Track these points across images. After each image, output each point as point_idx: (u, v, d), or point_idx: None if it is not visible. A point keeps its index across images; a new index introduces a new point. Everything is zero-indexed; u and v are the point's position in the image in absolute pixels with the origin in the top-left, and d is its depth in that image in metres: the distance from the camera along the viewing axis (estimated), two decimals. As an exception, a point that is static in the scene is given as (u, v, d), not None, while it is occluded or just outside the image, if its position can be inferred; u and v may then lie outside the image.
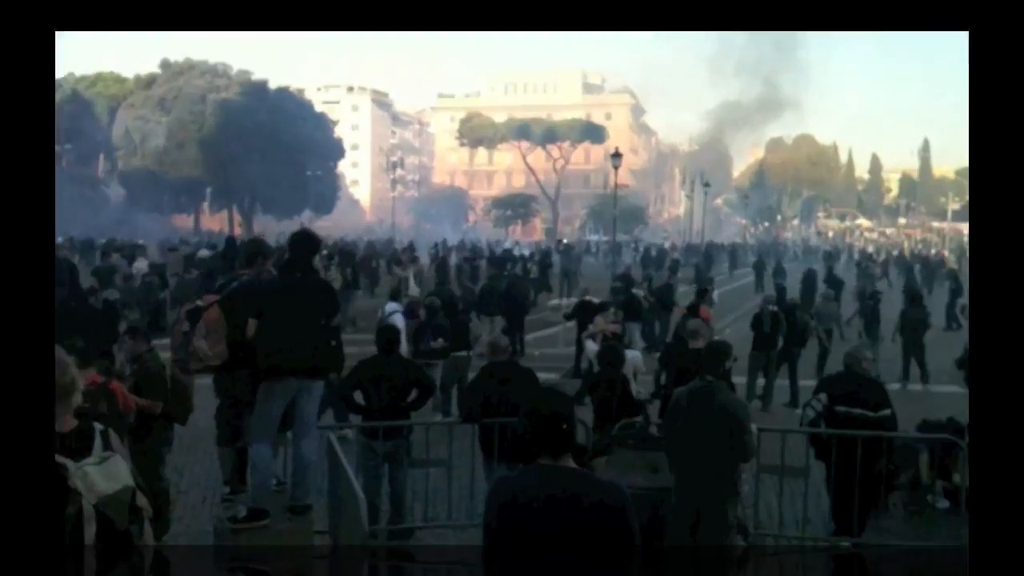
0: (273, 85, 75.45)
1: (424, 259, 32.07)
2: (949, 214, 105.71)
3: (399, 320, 13.37)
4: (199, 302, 6.66)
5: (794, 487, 7.74)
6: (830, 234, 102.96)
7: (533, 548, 3.03)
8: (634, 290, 19.55)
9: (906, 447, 8.12)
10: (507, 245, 55.27)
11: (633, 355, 9.45)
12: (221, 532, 6.18)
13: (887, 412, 7.29)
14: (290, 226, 58.65)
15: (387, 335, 8.26)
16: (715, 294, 19.47)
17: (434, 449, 8.08)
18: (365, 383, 7.89)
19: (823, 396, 7.41)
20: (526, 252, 42.05)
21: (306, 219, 68.98)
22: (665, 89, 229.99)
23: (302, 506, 6.24)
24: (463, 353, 12.41)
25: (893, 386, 14.38)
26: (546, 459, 3.11)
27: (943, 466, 8.48)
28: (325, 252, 28.86)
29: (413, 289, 19.87)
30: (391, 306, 14.22)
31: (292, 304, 6.00)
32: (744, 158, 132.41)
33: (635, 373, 8.79)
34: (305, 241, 6.29)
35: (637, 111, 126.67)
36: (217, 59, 75.54)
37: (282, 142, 66.30)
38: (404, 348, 12.24)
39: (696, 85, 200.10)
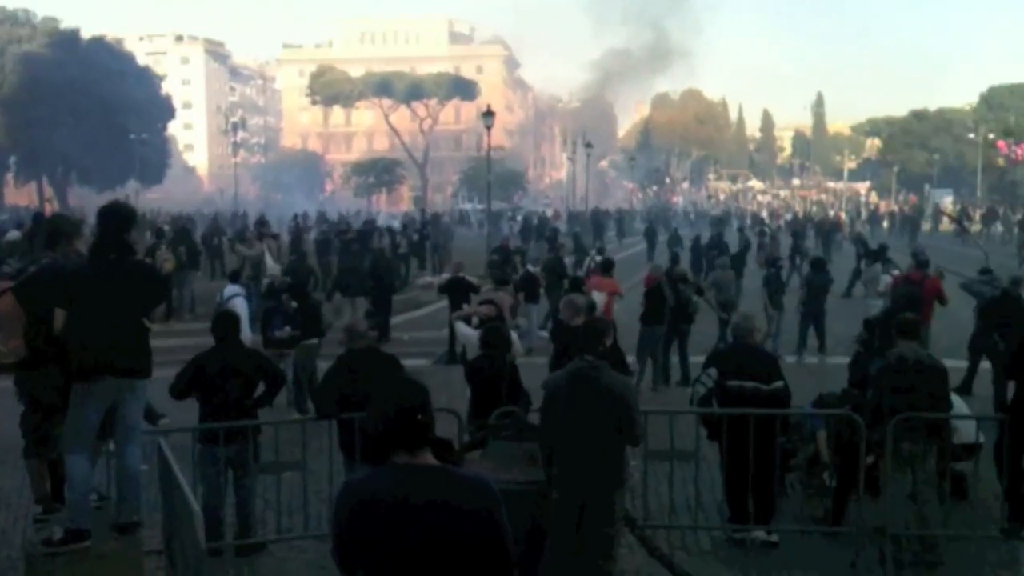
0: (86, 35, 72.01)
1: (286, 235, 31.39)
2: (845, 173, 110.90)
3: (240, 304, 13.12)
4: (-9, 289, 6.29)
5: (685, 472, 7.98)
6: (721, 197, 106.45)
7: (390, 559, 2.97)
8: (530, 268, 19.69)
9: (802, 424, 8.48)
10: (372, 216, 54.67)
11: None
12: (34, 558, 5.91)
13: (780, 384, 7.59)
14: (113, 199, 56.17)
15: (223, 322, 8.04)
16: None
17: (286, 451, 7.94)
18: (202, 379, 7.66)
19: (712, 371, 7.65)
20: (395, 224, 41.77)
21: (131, 191, 66.43)
22: (541, 39, 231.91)
23: (129, 524, 6.02)
24: (313, 341, 12.25)
25: (789, 359, 15.11)
26: (401, 457, 3.04)
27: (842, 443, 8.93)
28: (165, 228, 27.96)
29: (272, 268, 19.39)
30: (230, 289, 13.99)
31: (105, 291, 5.73)
32: (629, 116, 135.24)
33: (513, 356, 8.83)
34: (115, 215, 5.99)
35: (511, 64, 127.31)
36: (16, 4, 71.52)
37: (99, 101, 63.44)
38: (248, 336, 12.05)
39: (576, 34, 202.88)
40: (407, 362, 10.89)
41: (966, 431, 7.90)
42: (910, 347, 7.32)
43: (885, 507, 7.28)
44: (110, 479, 6.58)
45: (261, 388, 7.96)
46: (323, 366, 9.00)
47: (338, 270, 19.79)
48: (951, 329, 15.66)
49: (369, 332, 8.75)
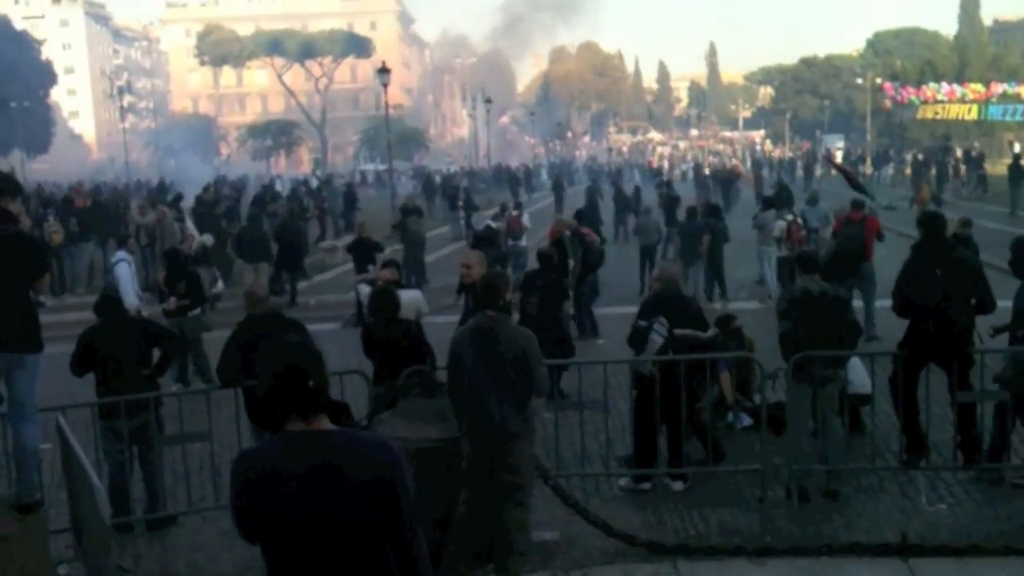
0: (-44, -2, 68.40)
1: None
2: (740, 122, 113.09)
3: (123, 270, 12.83)
4: None
5: (597, 421, 8.10)
6: (624, 149, 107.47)
7: (288, 529, 2.89)
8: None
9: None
10: (272, 180, 53.46)
11: (413, 295, 9.44)
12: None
13: (715, 331, 7.78)
14: (-6, 171, 53.81)
15: (104, 303, 8.05)
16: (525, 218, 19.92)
17: (192, 422, 7.77)
18: (92, 355, 7.48)
19: (664, 320, 7.69)
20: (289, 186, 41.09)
21: (16, 161, 63.57)
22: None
23: (31, 503, 5.84)
24: (195, 312, 12.00)
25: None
26: (296, 424, 2.94)
27: (741, 384, 9.23)
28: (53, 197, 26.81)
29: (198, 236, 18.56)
30: (118, 255, 13.63)
31: None
32: (527, 71, 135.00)
33: (418, 315, 8.78)
34: None
35: (405, 19, 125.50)
36: None
37: (-27, 68, 60.37)
38: (133, 304, 12.10)
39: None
40: (315, 327, 10.79)
41: (860, 383, 8.22)
42: (813, 280, 7.57)
43: (791, 442, 7.54)
44: (8, 458, 6.36)
45: (156, 356, 7.79)
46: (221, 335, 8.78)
47: (238, 235, 19.31)
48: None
49: (270, 296, 8.62)
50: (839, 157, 58.27)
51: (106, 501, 5.01)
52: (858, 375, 8.29)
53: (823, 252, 12.47)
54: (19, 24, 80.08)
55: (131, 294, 12.73)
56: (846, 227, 13.60)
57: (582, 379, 7.84)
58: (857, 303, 10.96)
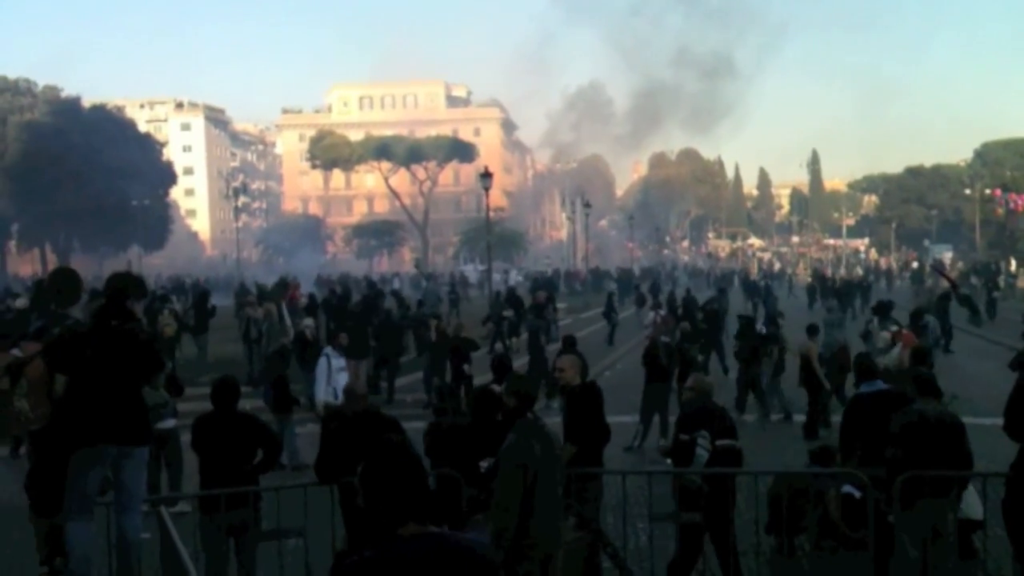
0: (87, 103, 72.87)
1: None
2: (844, 230, 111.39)
3: (322, 365, 13.33)
4: (16, 352, 6.31)
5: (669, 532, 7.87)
6: (722, 254, 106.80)
7: None
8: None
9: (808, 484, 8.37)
10: (385, 277, 54.84)
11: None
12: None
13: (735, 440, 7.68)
14: (115, 265, 56.47)
15: (220, 391, 7.88)
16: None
17: (288, 517, 7.83)
18: (200, 444, 7.61)
19: (706, 433, 7.54)
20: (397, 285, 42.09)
21: (134, 256, 66.68)
22: (536, 101, 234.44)
23: (129, 593, 5.94)
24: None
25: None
26: (409, 528, 2.93)
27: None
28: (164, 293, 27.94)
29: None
30: (324, 350, 14.12)
31: (105, 359, 5.73)
32: (626, 176, 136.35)
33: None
34: (118, 282, 6.03)
35: (508, 126, 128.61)
36: (18, 74, 72.59)
37: (101, 168, 63.92)
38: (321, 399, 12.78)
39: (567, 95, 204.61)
40: (411, 424, 10.82)
41: (972, 508, 7.81)
42: (930, 403, 7.26)
43: (899, 570, 7.17)
44: (109, 546, 6.48)
45: (260, 455, 7.88)
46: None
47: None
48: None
49: (368, 394, 8.71)
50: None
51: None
52: (969, 499, 7.88)
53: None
54: (143, 127, 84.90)
55: (321, 389, 13.13)
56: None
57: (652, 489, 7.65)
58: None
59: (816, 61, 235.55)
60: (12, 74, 72.17)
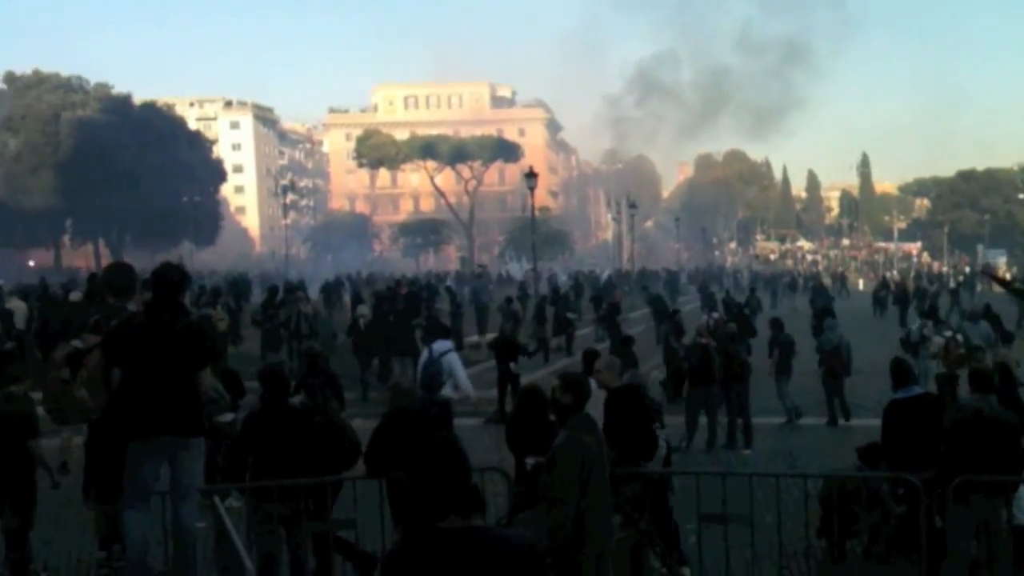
0: (137, 100, 73.94)
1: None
2: (895, 233, 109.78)
3: (456, 360, 13.64)
4: (77, 343, 6.45)
5: (742, 535, 7.81)
6: (772, 257, 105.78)
7: None
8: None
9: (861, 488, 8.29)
10: (430, 275, 55.10)
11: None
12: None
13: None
14: (166, 261, 57.12)
15: (270, 380, 7.66)
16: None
17: (338, 509, 7.91)
18: (255, 437, 7.68)
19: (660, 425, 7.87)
20: (451, 284, 42.22)
21: (186, 251, 67.63)
22: (582, 100, 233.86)
23: (184, 582, 6.05)
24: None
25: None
26: (453, 521, 2.95)
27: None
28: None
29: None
30: (442, 344, 14.02)
31: (159, 352, 5.83)
32: (672, 177, 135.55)
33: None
34: (166, 276, 6.10)
35: (553, 126, 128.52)
36: (71, 71, 73.88)
37: (152, 165, 64.98)
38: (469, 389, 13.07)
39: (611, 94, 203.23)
40: (456, 421, 10.88)
41: None
42: (986, 401, 7.17)
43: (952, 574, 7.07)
44: (166, 537, 6.60)
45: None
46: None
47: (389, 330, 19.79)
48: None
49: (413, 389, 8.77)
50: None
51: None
52: (1023, 504, 7.74)
53: None
54: (193, 125, 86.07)
55: (466, 381, 13.27)
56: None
57: (727, 491, 7.60)
58: None
59: (878, 63, 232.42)
60: (65, 71, 73.52)
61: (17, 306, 24.02)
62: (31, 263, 68.58)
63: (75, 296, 24.80)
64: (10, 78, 72.08)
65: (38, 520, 7.92)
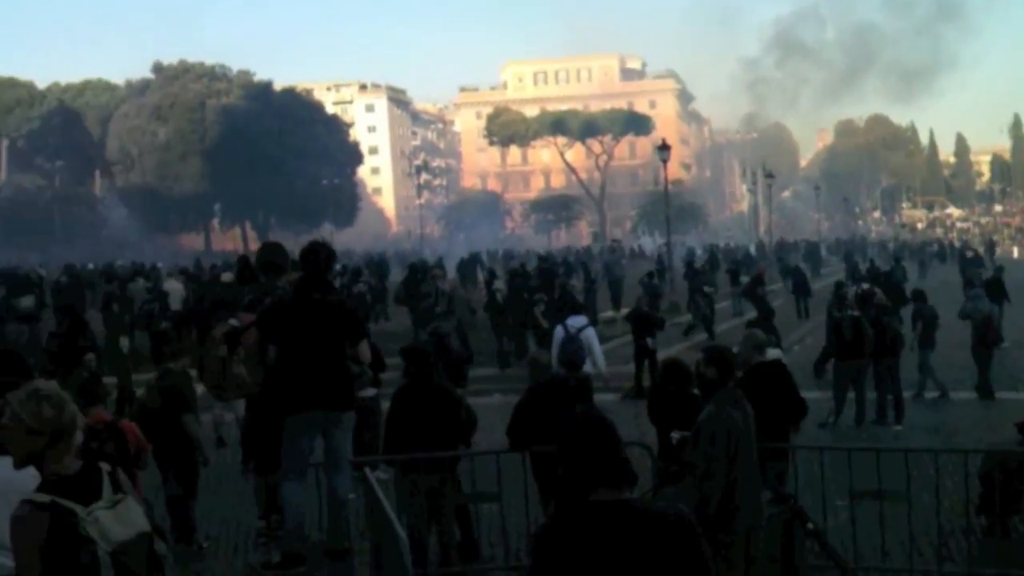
0: (277, 87, 76.15)
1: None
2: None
3: (593, 335, 13.43)
4: (234, 321, 6.71)
5: (898, 513, 7.55)
6: (919, 226, 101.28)
7: None
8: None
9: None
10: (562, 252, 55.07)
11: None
12: (253, 579, 6.22)
13: None
14: (313, 239, 58.86)
15: (414, 357, 7.74)
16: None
17: (483, 482, 8.03)
18: (404, 412, 7.84)
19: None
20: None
21: (327, 232, 69.62)
22: (714, 68, 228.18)
23: (340, 550, 6.24)
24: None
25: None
26: (604, 493, 2.95)
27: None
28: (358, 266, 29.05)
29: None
30: (579, 320, 13.87)
31: (311, 329, 6.00)
32: (810, 145, 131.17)
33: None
34: (317, 255, 6.25)
35: (684, 97, 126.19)
36: (214, 60, 76.68)
37: (293, 149, 67.03)
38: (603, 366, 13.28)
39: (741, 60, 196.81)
40: (593, 397, 10.89)
41: None
42: None
43: None
44: (321, 507, 6.83)
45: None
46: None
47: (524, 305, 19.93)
48: None
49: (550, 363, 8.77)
50: None
51: (408, 551, 5.27)
52: None
53: None
54: (330, 109, 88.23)
55: (602, 358, 13.46)
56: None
57: (881, 468, 7.35)
58: None
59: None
60: (209, 60, 76.31)
61: (174, 287, 25.19)
62: (184, 246, 71.89)
63: (227, 277, 25.94)
64: (157, 68, 75.22)
65: (200, 491, 8.35)
